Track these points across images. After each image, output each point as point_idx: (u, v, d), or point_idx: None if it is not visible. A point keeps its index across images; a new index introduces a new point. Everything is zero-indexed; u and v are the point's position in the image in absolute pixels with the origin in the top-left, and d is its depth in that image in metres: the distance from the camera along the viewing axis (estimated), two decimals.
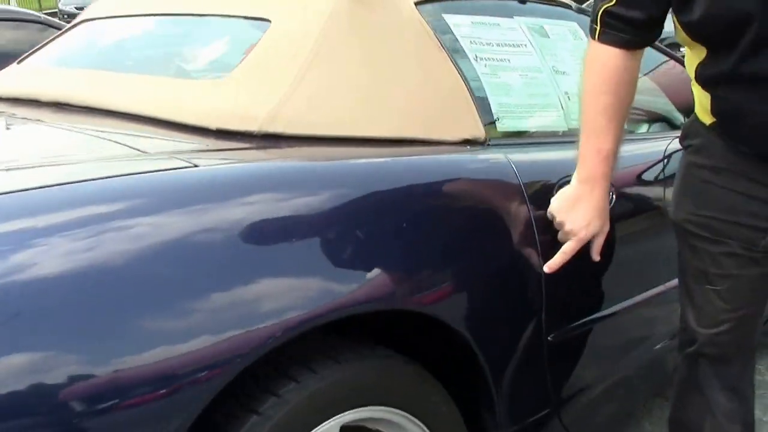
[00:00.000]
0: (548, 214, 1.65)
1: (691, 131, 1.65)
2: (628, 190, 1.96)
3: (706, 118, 1.57)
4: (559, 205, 1.64)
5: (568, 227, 1.63)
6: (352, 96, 1.66)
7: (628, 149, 1.97)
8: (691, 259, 1.65)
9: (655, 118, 2.33)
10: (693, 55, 1.51)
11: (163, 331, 1.14)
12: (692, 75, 1.54)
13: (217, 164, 1.39)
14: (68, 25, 2.33)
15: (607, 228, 1.67)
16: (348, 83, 1.66)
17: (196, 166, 1.33)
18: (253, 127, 1.55)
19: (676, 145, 1.79)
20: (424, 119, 1.69)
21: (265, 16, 1.79)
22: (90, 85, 1.83)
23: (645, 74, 2.28)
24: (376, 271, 1.39)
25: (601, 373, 1.95)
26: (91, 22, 2.22)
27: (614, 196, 1.81)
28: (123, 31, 2.09)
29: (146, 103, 1.68)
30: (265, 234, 1.30)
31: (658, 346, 2.13)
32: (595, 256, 1.69)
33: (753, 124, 1.47)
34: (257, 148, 1.54)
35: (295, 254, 1.31)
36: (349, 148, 1.58)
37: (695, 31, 1.45)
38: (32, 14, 4.23)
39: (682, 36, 1.49)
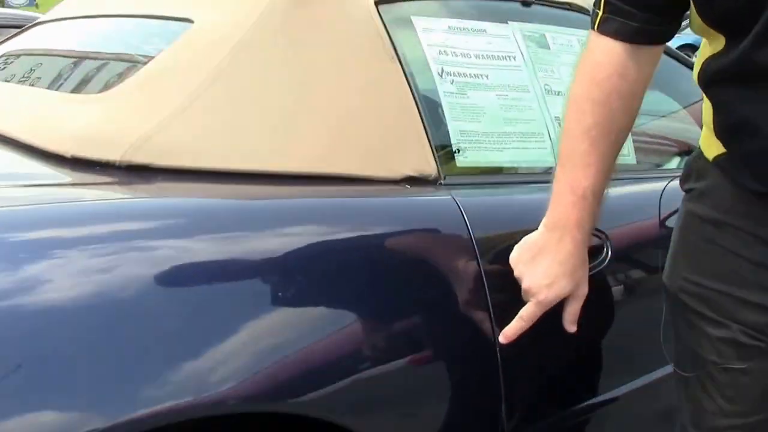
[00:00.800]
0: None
1: (693, 170, 1.23)
2: (631, 243, 1.51)
3: (711, 149, 1.17)
4: (518, 255, 1.25)
5: (525, 284, 1.23)
6: (264, 119, 1.30)
7: (645, 188, 1.55)
8: (685, 339, 1.23)
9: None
10: (707, 49, 1.12)
11: None
12: (696, 76, 1.14)
13: (8, 206, 1.04)
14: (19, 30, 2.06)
15: (583, 292, 1.26)
16: (261, 103, 1.31)
17: None
18: (114, 155, 1.21)
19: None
20: (355, 150, 1.31)
21: (188, 16, 1.46)
22: None
23: (685, 107, 1.84)
24: (236, 358, 1.03)
25: None
26: (37, 26, 1.94)
27: (609, 251, 1.39)
28: (47, 36, 1.80)
29: (18, 123, 1.37)
30: (71, 304, 0.96)
31: None
32: (569, 327, 1.27)
33: (763, 146, 1.06)
34: (110, 183, 1.21)
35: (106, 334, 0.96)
36: (233, 186, 1.23)
37: (713, 9, 1.06)
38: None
39: (698, 23, 1.09)
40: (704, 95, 1.14)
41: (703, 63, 1.11)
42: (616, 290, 1.46)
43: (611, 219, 1.47)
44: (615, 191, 1.58)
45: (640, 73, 1.15)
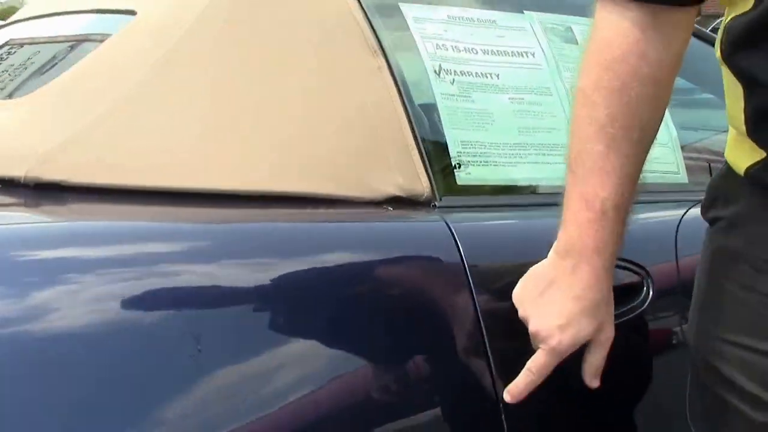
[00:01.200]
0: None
1: (719, 193, 0.93)
2: (677, 281, 1.21)
3: (742, 157, 0.87)
4: (523, 290, 0.97)
5: (533, 326, 0.94)
6: (206, 128, 1.06)
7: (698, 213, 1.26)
8: (717, 420, 0.93)
9: None
10: (730, 13, 0.85)
11: None
12: (718, 47, 0.86)
13: None
14: None
15: (607, 336, 0.96)
16: (203, 109, 1.07)
17: None
18: (19, 171, 0.98)
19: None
20: (322, 164, 1.06)
21: (131, 7, 1.23)
22: None
23: None
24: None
25: None
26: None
27: (651, 291, 1.12)
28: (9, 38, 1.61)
29: None
30: None
31: None
32: (591, 382, 0.98)
33: None
34: (12, 204, 0.98)
35: None
36: (168, 208, 0.99)
37: None
38: None
39: None
40: (730, 78, 0.85)
41: (725, 26, 0.82)
42: (658, 340, 1.17)
43: (653, 251, 1.19)
44: (658, 216, 1.31)
45: (665, 50, 0.85)
